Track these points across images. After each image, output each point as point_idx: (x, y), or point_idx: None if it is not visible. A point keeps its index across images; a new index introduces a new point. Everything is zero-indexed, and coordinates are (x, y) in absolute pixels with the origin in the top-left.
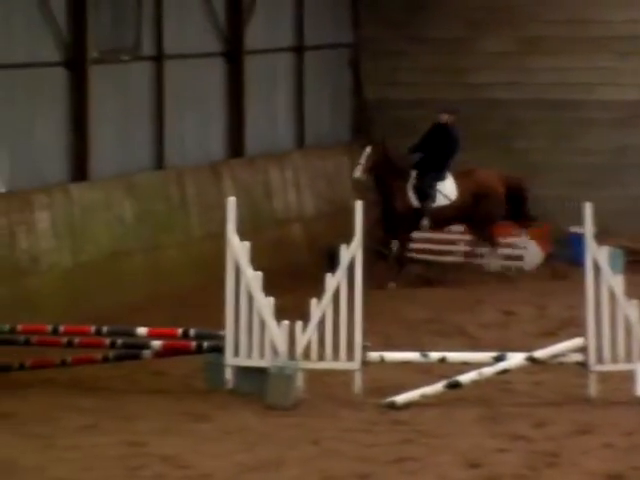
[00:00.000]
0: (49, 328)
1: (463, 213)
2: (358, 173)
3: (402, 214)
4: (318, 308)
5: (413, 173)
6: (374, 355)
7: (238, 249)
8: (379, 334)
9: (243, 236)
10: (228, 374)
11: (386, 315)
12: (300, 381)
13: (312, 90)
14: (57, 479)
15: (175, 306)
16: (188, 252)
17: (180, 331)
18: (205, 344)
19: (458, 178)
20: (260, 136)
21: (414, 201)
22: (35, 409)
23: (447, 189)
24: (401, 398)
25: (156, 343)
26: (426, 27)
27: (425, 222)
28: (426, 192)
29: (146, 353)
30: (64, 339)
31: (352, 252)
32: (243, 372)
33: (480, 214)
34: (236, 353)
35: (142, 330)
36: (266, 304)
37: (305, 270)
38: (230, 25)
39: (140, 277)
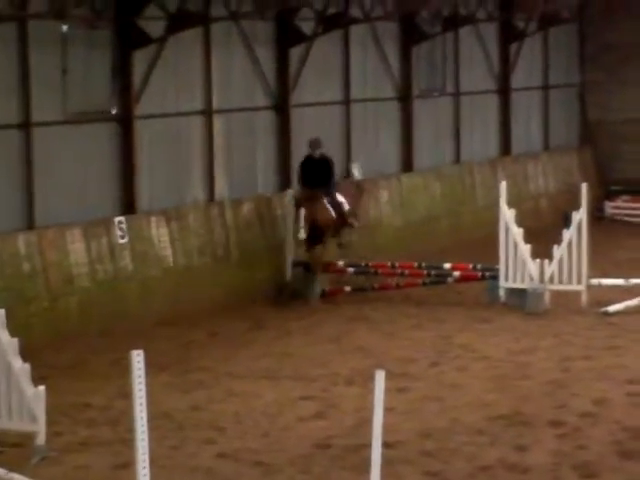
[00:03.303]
0: (389, 264)
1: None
2: (302, 234)
3: (328, 225)
4: (558, 251)
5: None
6: (594, 281)
7: (507, 214)
8: (598, 268)
9: (510, 206)
10: (502, 293)
11: (602, 256)
12: (547, 297)
13: (555, 113)
14: (398, 357)
15: (468, 250)
16: (475, 217)
17: (471, 265)
18: (487, 274)
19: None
20: (521, 142)
21: (332, 213)
22: (382, 315)
23: (343, 202)
24: (612, 308)
25: (456, 273)
26: (629, 71)
27: (353, 221)
28: (337, 205)
29: (450, 280)
30: (398, 271)
31: (580, 215)
32: (511, 291)
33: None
34: (506, 279)
35: (447, 265)
36: (525, 249)
37: (549, 228)
38: (502, 70)
39: (445, 233)
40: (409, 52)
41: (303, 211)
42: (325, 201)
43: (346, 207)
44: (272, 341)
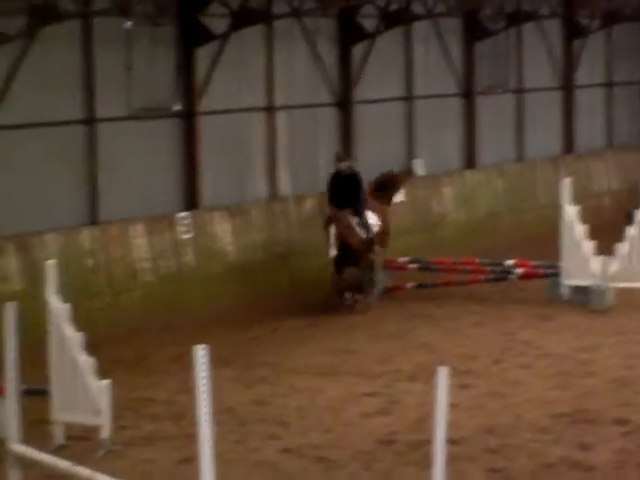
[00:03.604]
0: (451, 260)
1: (382, 233)
2: (333, 252)
3: (360, 248)
4: (621, 248)
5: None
6: None
7: (570, 211)
8: None
9: (573, 203)
10: (564, 290)
11: None
12: (611, 294)
13: (618, 110)
14: (461, 354)
15: (530, 247)
16: (537, 214)
17: (533, 263)
18: (549, 271)
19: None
20: (584, 139)
21: (363, 235)
22: (444, 311)
23: (372, 220)
24: None
25: (518, 270)
26: None
27: (377, 247)
28: (367, 226)
29: (512, 277)
30: (461, 267)
31: None
32: (574, 288)
33: (385, 232)
34: (569, 276)
35: (509, 262)
36: (589, 246)
37: (612, 225)
38: (565, 67)
39: (507, 229)
40: (472, 49)
41: (333, 229)
42: (354, 223)
43: (374, 229)
44: (334, 337)
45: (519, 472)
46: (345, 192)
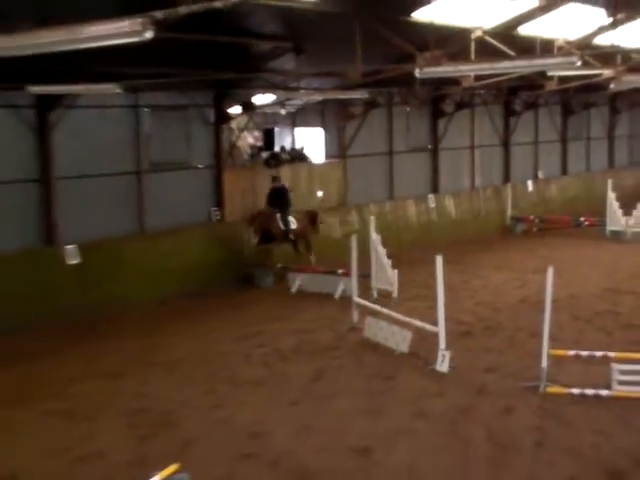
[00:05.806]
0: (554, 217)
1: (300, 232)
2: (253, 240)
3: (278, 234)
4: (635, 210)
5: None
6: None
7: (610, 196)
8: None
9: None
10: (607, 232)
11: None
12: (630, 234)
13: None
14: (558, 260)
15: (593, 211)
16: (595, 197)
17: (593, 218)
18: (601, 222)
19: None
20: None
21: (282, 226)
22: (552, 241)
23: (292, 221)
24: None
25: (586, 222)
26: None
27: (291, 236)
28: (286, 222)
29: (584, 225)
30: (560, 220)
31: None
32: (611, 231)
33: (303, 232)
34: (609, 225)
35: (582, 218)
36: (618, 210)
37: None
38: (609, 124)
39: (582, 204)
40: (566, 119)
41: (256, 224)
42: (277, 217)
43: (293, 227)
44: (500, 252)
45: (584, 315)
46: (277, 199)
